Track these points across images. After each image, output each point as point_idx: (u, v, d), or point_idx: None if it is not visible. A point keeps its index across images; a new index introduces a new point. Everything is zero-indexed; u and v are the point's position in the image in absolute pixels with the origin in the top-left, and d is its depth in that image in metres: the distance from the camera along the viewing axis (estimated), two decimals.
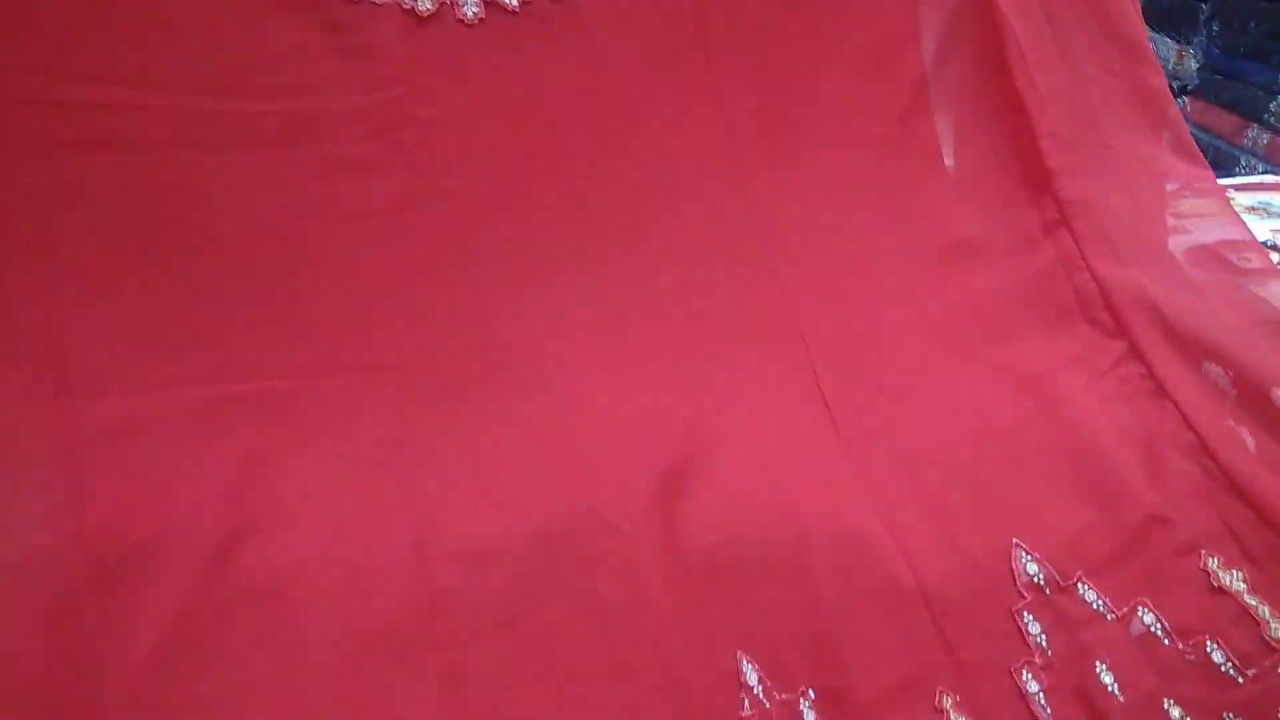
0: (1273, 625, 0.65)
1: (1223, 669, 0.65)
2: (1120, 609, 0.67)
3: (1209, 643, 0.65)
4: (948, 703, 0.64)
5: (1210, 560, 0.68)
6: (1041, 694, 0.64)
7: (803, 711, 0.63)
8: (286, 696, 0.60)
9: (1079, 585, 0.67)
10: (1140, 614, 0.67)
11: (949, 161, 0.85)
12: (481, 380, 0.73)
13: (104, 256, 0.67)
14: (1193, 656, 0.65)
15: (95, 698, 0.59)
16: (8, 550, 0.61)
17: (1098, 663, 0.64)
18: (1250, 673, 0.64)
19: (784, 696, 0.63)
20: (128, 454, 0.66)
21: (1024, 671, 0.64)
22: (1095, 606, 0.67)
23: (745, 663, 0.64)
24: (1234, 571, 0.68)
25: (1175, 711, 0.64)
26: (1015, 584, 0.67)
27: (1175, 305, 0.78)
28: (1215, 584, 0.67)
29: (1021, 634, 0.66)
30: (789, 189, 0.82)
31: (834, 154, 0.83)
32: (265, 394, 0.69)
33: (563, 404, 0.73)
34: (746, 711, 0.62)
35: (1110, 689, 0.64)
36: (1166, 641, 0.66)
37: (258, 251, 0.70)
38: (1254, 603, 0.66)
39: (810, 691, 0.63)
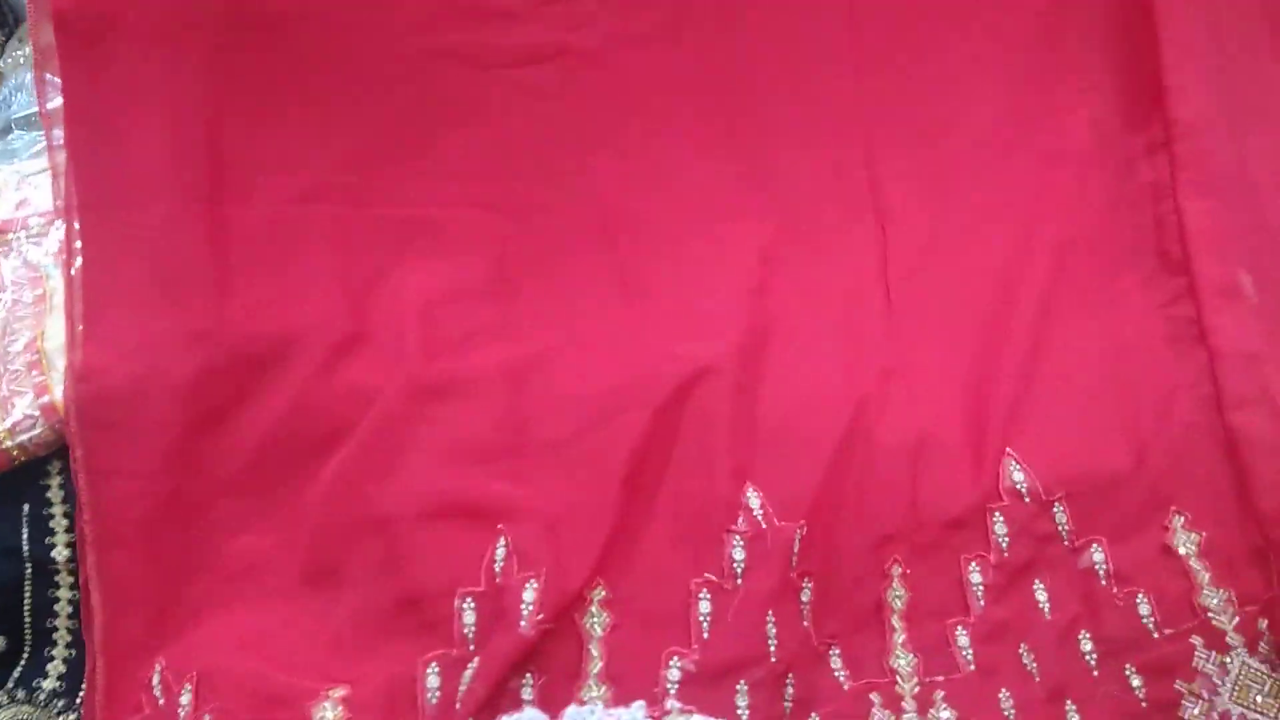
0: (1205, 592, 0.69)
1: (1144, 621, 0.69)
2: (1078, 540, 0.71)
3: (1140, 594, 0.69)
4: (896, 571, 0.71)
5: (1176, 519, 0.71)
6: (980, 587, 0.70)
7: (794, 540, 0.69)
8: (368, 491, 0.70)
9: (1055, 505, 0.71)
10: (1092, 550, 0.71)
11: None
12: (587, 235, 0.79)
13: (266, 82, 0.75)
14: (1121, 604, 0.69)
15: (220, 456, 0.72)
16: (164, 326, 0.71)
17: (1036, 580, 0.70)
18: (1166, 632, 0.69)
19: (782, 524, 0.69)
20: (268, 259, 0.75)
21: (973, 564, 0.70)
22: (1060, 529, 0.71)
23: (751, 490, 0.71)
24: (1192, 534, 0.70)
25: (1087, 645, 0.69)
26: (998, 485, 0.71)
27: (1251, 255, 0.76)
28: (1168, 542, 0.70)
29: (987, 530, 0.71)
30: (910, 81, 0.81)
31: (959, 53, 0.82)
32: (394, 220, 0.78)
33: (658, 267, 0.79)
34: (740, 526, 0.70)
35: (1040, 605, 0.69)
36: (1104, 582, 0.70)
37: (402, 90, 0.77)
38: (1198, 567, 0.69)
39: (804, 527, 0.70)
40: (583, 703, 0.65)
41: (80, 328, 0.71)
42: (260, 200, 0.75)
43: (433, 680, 0.66)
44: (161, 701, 0.67)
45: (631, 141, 0.80)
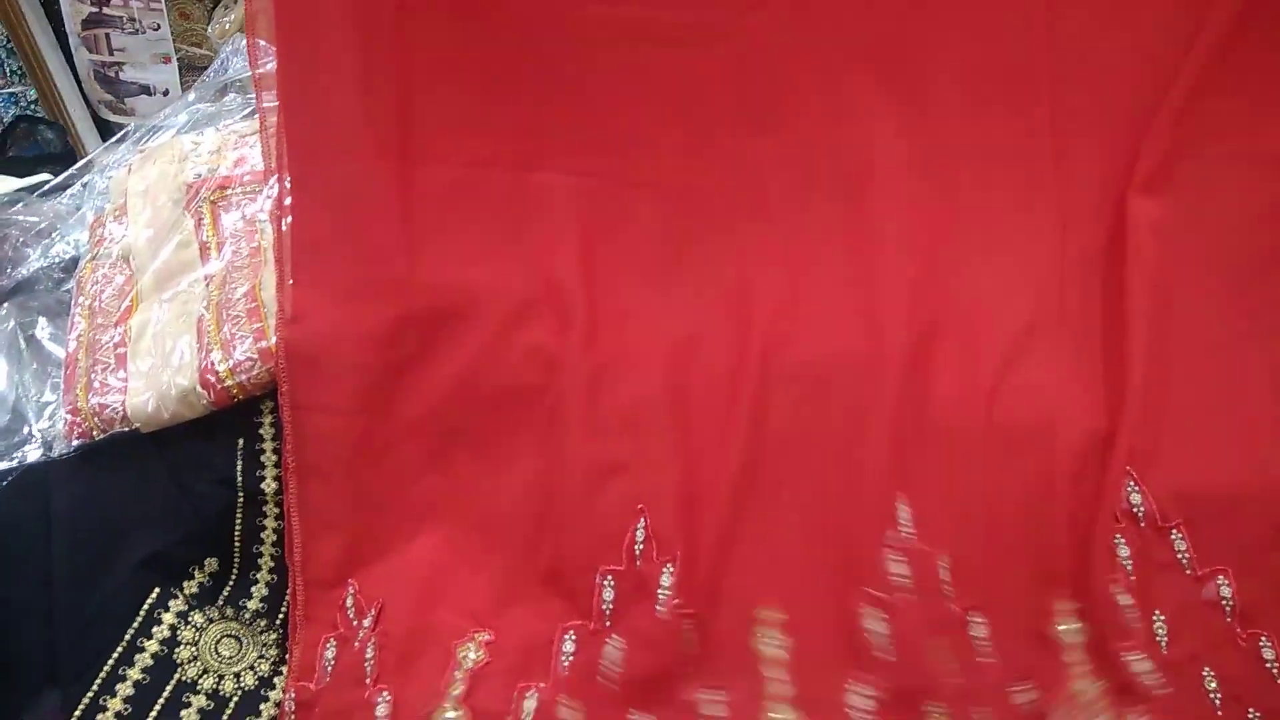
0: None
1: (1269, 666, 0.66)
2: (1202, 569, 0.68)
3: (1264, 638, 0.66)
4: (1068, 606, 0.68)
5: None
6: (1132, 608, 0.68)
7: (939, 567, 0.69)
8: (531, 459, 0.74)
9: (1172, 532, 0.69)
10: (1219, 582, 0.68)
11: None
12: (750, 215, 0.80)
13: (448, 46, 0.78)
14: (1245, 644, 0.67)
15: (409, 401, 0.76)
16: (361, 276, 0.77)
17: (1157, 611, 0.68)
18: None
19: (927, 548, 0.69)
20: (451, 218, 0.79)
21: (1115, 585, 0.68)
22: (1180, 557, 0.69)
23: (902, 505, 0.70)
24: None
25: (1212, 684, 0.66)
26: (1115, 509, 0.70)
27: None
28: None
29: (1112, 552, 0.69)
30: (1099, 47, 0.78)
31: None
32: (562, 188, 0.80)
33: (822, 251, 0.79)
34: (889, 539, 0.69)
35: (1158, 639, 0.67)
36: (1229, 619, 0.67)
37: (576, 60, 0.79)
38: None
39: (947, 559, 0.69)
40: None
41: (289, 274, 0.77)
42: (443, 160, 0.79)
43: (568, 646, 0.69)
44: (355, 623, 0.73)
45: (800, 123, 0.80)
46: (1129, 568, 0.68)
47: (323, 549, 0.74)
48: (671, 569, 0.68)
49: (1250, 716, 0.66)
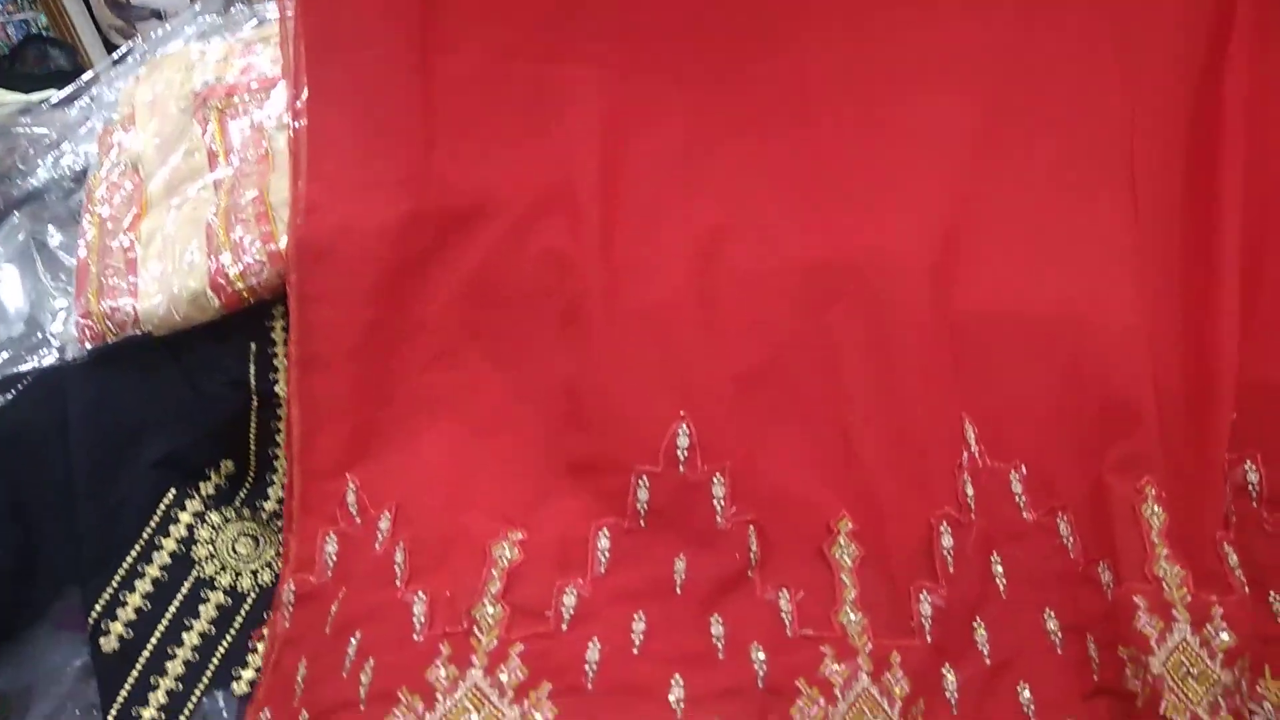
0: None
1: None
2: (1232, 454, 0.70)
3: None
4: (1150, 491, 0.68)
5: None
6: (1234, 558, 0.67)
7: (1011, 481, 0.69)
8: (552, 359, 0.74)
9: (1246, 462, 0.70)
10: (1246, 467, 0.71)
11: None
12: (785, 111, 0.77)
13: None
14: (1270, 529, 0.70)
15: (421, 297, 0.76)
16: (377, 169, 0.77)
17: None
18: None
19: (995, 464, 0.69)
20: (470, 113, 0.78)
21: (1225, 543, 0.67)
22: None
23: (968, 424, 0.70)
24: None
25: (1236, 569, 0.67)
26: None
27: None
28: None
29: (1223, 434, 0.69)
30: None
31: None
32: (586, 81, 0.78)
33: (861, 150, 0.76)
34: (964, 462, 0.69)
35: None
36: (1254, 504, 0.70)
37: None
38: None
39: (1023, 467, 0.69)
40: (842, 629, 0.66)
41: (304, 167, 0.76)
42: (465, 52, 0.77)
43: (603, 543, 0.69)
44: (359, 521, 0.73)
45: (834, 25, 0.77)
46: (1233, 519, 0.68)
47: (322, 440, 0.74)
48: (723, 479, 0.69)
49: (1271, 599, 0.67)
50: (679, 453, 0.70)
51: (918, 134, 0.76)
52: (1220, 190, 0.72)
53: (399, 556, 0.70)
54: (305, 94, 0.78)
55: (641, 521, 0.69)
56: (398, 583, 0.69)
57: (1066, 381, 0.71)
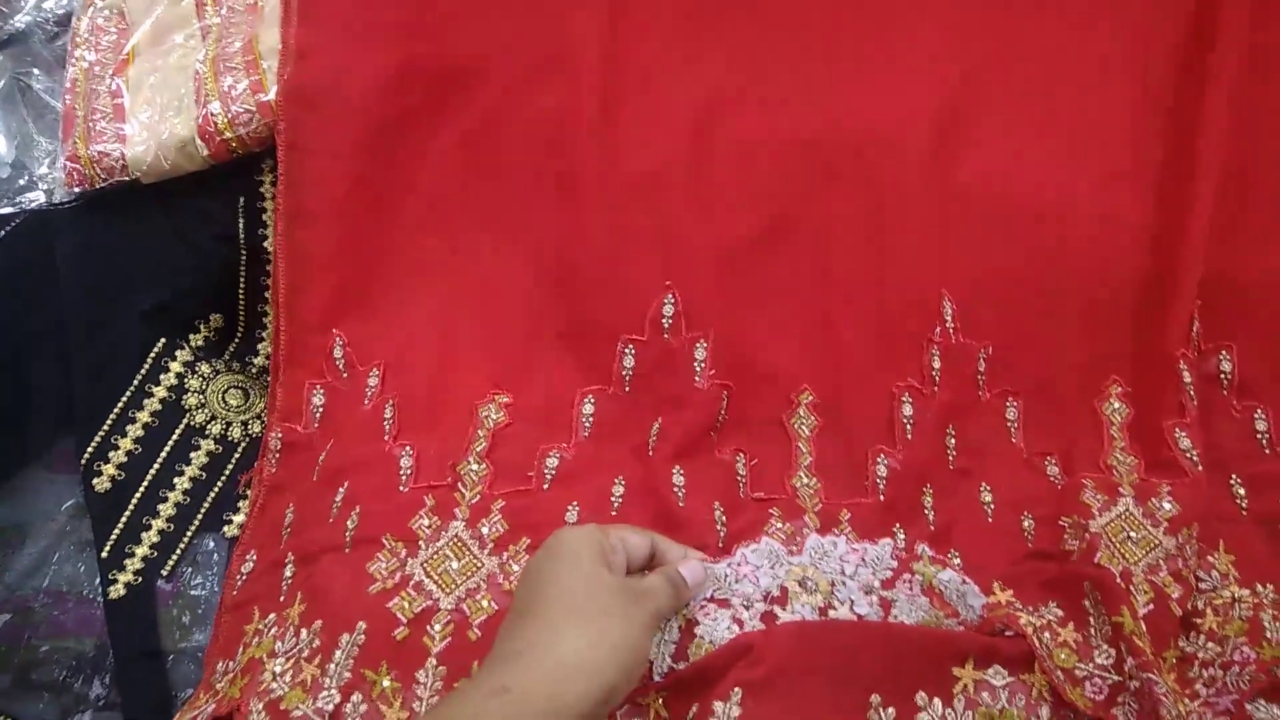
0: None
1: (1259, 437, 0.71)
2: (1206, 345, 0.72)
3: (1259, 411, 0.71)
4: (1115, 390, 0.71)
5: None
6: (1186, 442, 0.69)
7: (979, 360, 0.71)
8: (544, 226, 0.74)
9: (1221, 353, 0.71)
10: (1220, 357, 0.72)
11: None
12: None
13: None
14: (1239, 415, 0.72)
15: (413, 155, 0.75)
16: (370, 18, 0.76)
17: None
18: None
19: (966, 341, 0.71)
20: None
21: (1184, 360, 0.70)
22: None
23: (947, 301, 0.71)
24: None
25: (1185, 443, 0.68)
26: (1190, 331, 0.70)
27: None
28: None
29: (1189, 327, 0.70)
30: None
31: None
32: None
33: (860, 26, 0.75)
34: (936, 336, 0.71)
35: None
36: (1224, 392, 0.72)
37: None
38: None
39: (990, 347, 0.72)
40: (794, 491, 0.68)
41: (295, 9, 0.74)
42: None
43: (588, 408, 0.71)
44: (346, 376, 0.74)
45: None
46: (1191, 393, 0.69)
47: (309, 293, 0.74)
48: (705, 345, 0.70)
49: (1232, 482, 0.69)
50: (664, 321, 0.70)
51: (924, 11, 0.74)
52: (1207, 86, 0.72)
53: (388, 412, 0.71)
54: None
55: (626, 388, 0.70)
56: (386, 437, 0.70)
57: (1049, 268, 0.72)
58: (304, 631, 0.62)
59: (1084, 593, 0.63)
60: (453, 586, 0.63)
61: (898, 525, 0.67)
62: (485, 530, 0.66)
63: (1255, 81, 0.73)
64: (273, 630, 0.64)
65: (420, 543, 0.65)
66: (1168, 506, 0.66)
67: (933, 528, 0.68)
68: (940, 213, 0.72)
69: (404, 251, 0.76)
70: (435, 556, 0.64)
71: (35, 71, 0.84)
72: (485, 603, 0.63)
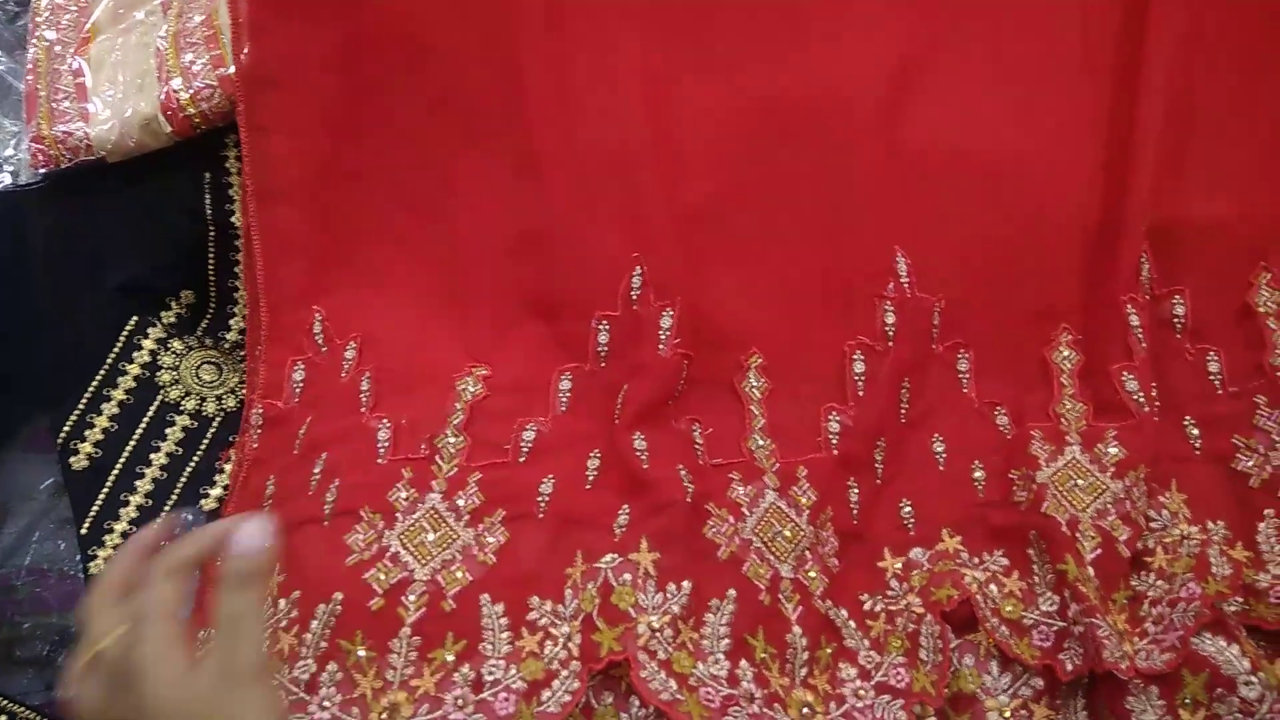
0: (1277, 352, 0.70)
1: (1211, 378, 0.73)
2: (1159, 289, 0.74)
3: (1212, 353, 0.73)
4: (1065, 338, 0.73)
5: (1263, 275, 0.72)
6: (1134, 384, 0.70)
7: (933, 314, 0.72)
8: (513, 198, 0.74)
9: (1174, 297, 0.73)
10: (1174, 301, 0.73)
11: None
12: None
13: None
14: (1191, 358, 0.74)
15: (379, 128, 0.75)
16: None
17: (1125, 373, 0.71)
18: (1231, 390, 0.71)
19: (921, 296, 0.72)
20: None
21: (1131, 304, 0.71)
22: (1142, 279, 0.72)
23: (900, 257, 0.72)
24: (1277, 293, 0.72)
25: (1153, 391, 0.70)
26: (1138, 276, 0.71)
27: None
28: (1250, 300, 0.72)
29: (1136, 271, 0.71)
30: None
31: None
32: None
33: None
34: (889, 292, 0.72)
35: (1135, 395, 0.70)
36: (1178, 335, 0.74)
37: None
38: (1275, 326, 0.71)
39: (943, 300, 0.72)
40: (750, 454, 0.69)
41: None
42: None
43: (565, 384, 0.72)
44: (325, 349, 0.74)
45: None
46: (1140, 337, 0.70)
47: (286, 271, 0.75)
48: (671, 313, 0.70)
49: (1185, 422, 0.71)
50: (632, 293, 0.71)
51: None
52: (1146, 36, 0.73)
53: (365, 385, 0.72)
54: None
55: (601, 363, 0.71)
56: (363, 409, 0.71)
57: (1000, 221, 0.73)
58: (282, 602, 0.63)
59: (1029, 541, 0.65)
60: (428, 558, 0.64)
61: (852, 479, 0.69)
62: (461, 502, 0.67)
63: (1194, 29, 0.74)
64: None
65: (397, 514, 0.66)
66: (1114, 451, 0.68)
67: (879, 480, 0.69)
68: (891, 171, 0.73)
69: (378, 227, 0.76)
70: (411, 528, 0.66)
71: None
72: (460, 574, 0.64)
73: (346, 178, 0.75)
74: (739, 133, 0.74)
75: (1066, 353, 0.73)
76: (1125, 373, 0.70)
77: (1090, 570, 0.62)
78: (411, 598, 0.63)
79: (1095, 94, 0.74)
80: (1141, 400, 0.69)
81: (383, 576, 0.63)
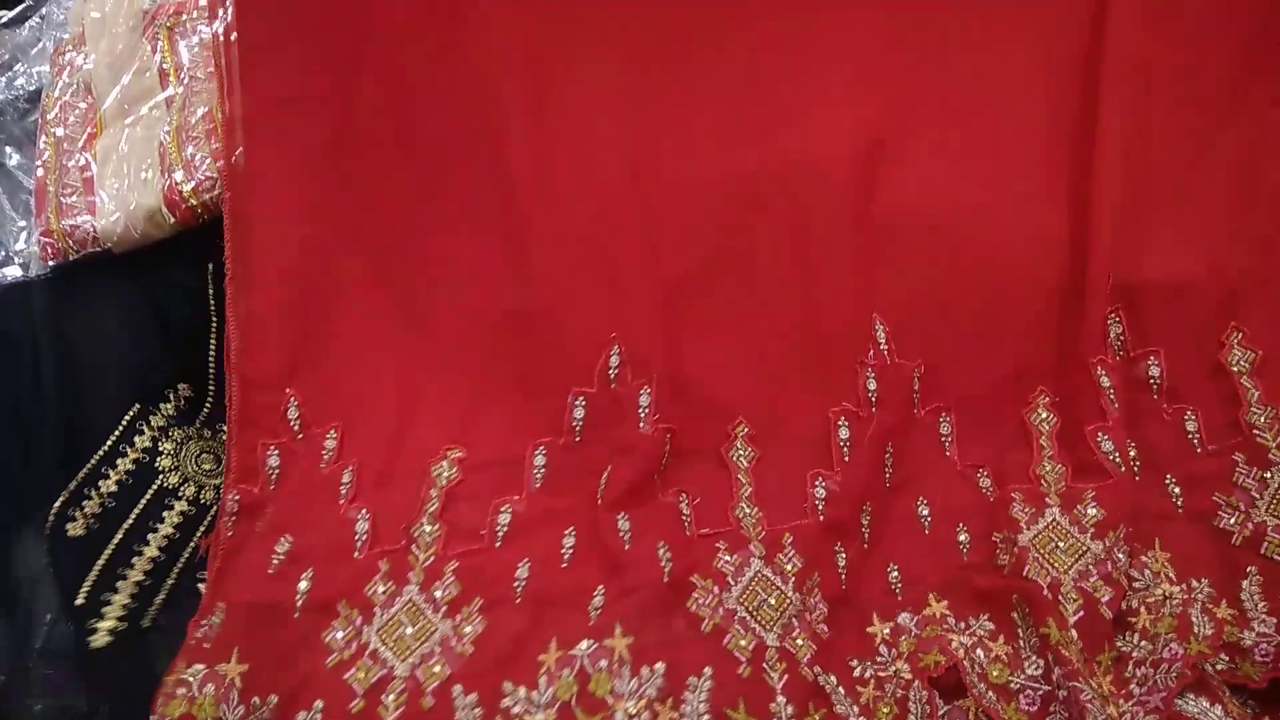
0: (1253, 410, 0.72)
1: (1189, 437, 0.74)
2: (1134, 350, 0.75)
3: (1189, 412, 0.74)
4: (1043, 400, 0.74)
5: (1234, 335, 0.74)
6: (1109, 444, 0.71)
7: (913, 379, 0.74)
8: (493, 278, 0.75)
9: (1111, 316, 0.74)
10: (1149, 362, 0.74)
11: None
12: (704, 30, 0.77)
13: None
14: (1169, 418, 0.75)
15: (349, 212, 0.76)
16: (299, 84, 0.76)
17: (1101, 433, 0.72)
18: (1210, 448, 0.73)
19: (901, 362, 0.74)
20: (396, 28, 0.76)
21: (1101, 366, 0.73)
22: (1114, 340, 0.74)
23: (879, 324, 0.74)
24: (1249, 352, 0.73)
25: (1131, 451, 0.72)
26: (1105, 337, 0.73)
27: None
28: (1222, 359, 0.73)
29: (1105, 332, 0.73)
30: None
31: None
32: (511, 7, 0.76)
33: (784, 65, 0.77)
34: (870, 359, 0.73)
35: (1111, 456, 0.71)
36: (1155, 396, 0.75)
37: None
38: (1249, 385, 0.72)
39: (922, 366, 0.74)
40: (737, 522, 0.70)
41: (236, 81, 0.75)
42: None
43: (539, 460, 0.73)
44: (301, 435, 0.74)
45: None
46: (1112, 397, 0.72)
47: (260, 354, 0.75)
48: (649, 391, 0.72)
49: (1167, 481, 0.72)
50: (610, 372, 0.73)
51: (840, 47, 0.77)
52: (1101, 101, 0.75)
53: (346, 477, 0.73)
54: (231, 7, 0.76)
55: (577, 438, 0.73)
56: (341, 500, 0.72)
57: (973, 286, 0.75)
58: (254, 699, 0.63)
59: (1013, 605, 0.66)
60: (407, 652, 0.65)
61: (839, 544, 0.70)
62: (439, 593, 0.68)
63: (1147, 93, 0.76)
64: (208, 687, 0.64)
65: (375, 608, 0.67)
66: (1093, 512, 0.69)
67: (865, 545, 0.70)
68: (866, 240, 0.75)
69: (355, 307, 0.77)
70: (390, 623, 0.67)
71: (8, 149, 0.87)
72: (438, 668, 0.65)
73: (325, 260, 0.76)
74: (716, 209, 0.76)
75: (1044, 414, 0.74)
76: (1100, 433, 0.71)
77: (1073, 633, 0.63)
78: (390, 697, 0.63)
79: (1058, 159, 0.76)
80: (1118, 460, 0.70)
81: (362, 675, 0.64)
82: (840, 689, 0.65)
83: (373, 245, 0.77)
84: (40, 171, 0.83)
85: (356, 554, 0.70)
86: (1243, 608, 0.66)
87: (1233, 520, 0.69)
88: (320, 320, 0.77)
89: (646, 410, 0.72)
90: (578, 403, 0.73)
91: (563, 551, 0.70)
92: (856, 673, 0.66)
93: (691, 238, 0.76)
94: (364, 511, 0.71)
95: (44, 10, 0.98)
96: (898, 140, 0.77)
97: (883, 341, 0.74)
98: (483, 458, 0.74)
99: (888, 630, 0.68)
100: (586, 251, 0.75)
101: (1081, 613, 0.64)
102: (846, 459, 0.72)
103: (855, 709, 0.64)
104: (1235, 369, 0.72)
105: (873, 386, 0.73)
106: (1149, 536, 0.69)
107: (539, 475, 0.72)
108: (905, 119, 0.77)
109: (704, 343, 0.75)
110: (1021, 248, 0.75)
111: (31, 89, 0.91)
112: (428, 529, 0.70)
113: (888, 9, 0.77)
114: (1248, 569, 0.67)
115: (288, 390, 0.75)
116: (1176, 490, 0.72)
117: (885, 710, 0.64)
